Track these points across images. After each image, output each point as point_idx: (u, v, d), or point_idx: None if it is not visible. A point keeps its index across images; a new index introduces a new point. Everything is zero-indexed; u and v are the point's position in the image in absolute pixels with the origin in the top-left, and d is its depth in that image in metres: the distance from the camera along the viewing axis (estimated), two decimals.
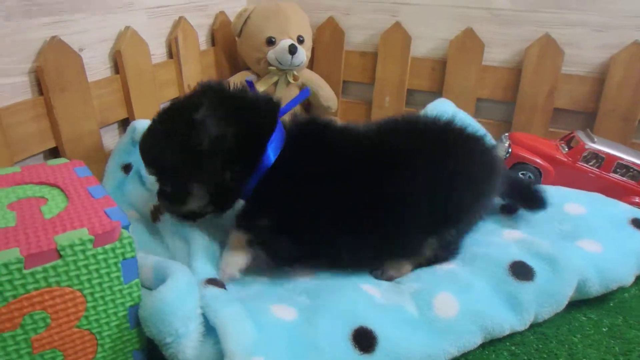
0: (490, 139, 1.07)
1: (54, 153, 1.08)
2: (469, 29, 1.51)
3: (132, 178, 1.16)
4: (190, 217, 0.92)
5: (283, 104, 1.34)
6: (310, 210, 0.87)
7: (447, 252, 0.97)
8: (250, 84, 1.02)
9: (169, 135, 0.84)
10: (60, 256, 0.62)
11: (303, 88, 1.05)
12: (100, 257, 0.66)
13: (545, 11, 1.46)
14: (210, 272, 0.86)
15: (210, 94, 0.87)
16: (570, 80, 1.47)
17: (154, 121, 0.87)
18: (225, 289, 0.82)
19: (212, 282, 0.81)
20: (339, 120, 1.52)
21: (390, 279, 0.95)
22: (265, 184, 0.87)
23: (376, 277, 0.95)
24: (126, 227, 0.69)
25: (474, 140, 0.98)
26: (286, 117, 0.94)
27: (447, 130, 0.97)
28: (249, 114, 0.87)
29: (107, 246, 0.66)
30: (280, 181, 0.87)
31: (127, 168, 1.19)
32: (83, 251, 0.64)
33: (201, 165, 0.83)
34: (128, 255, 0.68)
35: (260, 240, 0.89)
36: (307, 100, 1.66)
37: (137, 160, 1.18)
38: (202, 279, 0.82)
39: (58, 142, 1.06)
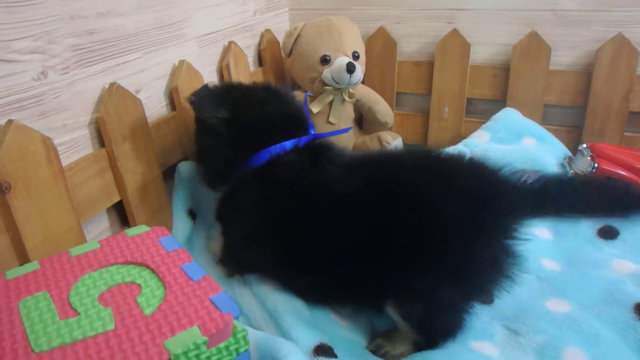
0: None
1: (118, 206, 1.01)
2: (533, 32, 1.41)
3: (198, 232, 1.11)
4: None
5: (338, 121, 1.44)
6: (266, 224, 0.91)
7: (426, 326, 0.82)
8: (306, 100, 1.11)
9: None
10: None
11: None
12: (214, 358, 0.58)
13: (615, 10, 1.35)
14: (313, 337, 0.80)
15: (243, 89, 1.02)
16: None
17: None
18: (335, 356, 0.77)
19: (320, 350, 0.77)
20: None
21: (385, 356, 0.85)
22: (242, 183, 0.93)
23: (371, 352, 0.86)
24: (237, 317, 0.61)
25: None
26: None
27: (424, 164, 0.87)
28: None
29: (222, 345, 0.59)
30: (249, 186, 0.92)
31: (191, 212, 1.12)
32: (197, 355, 0.57)
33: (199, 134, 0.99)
34: (242, 350, 0.62)
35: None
36: (362, 116, 1.57)
37: (198, 207, 1.12)
38: (309, 349, 0.77)
39: (123, 195, 0.98)
